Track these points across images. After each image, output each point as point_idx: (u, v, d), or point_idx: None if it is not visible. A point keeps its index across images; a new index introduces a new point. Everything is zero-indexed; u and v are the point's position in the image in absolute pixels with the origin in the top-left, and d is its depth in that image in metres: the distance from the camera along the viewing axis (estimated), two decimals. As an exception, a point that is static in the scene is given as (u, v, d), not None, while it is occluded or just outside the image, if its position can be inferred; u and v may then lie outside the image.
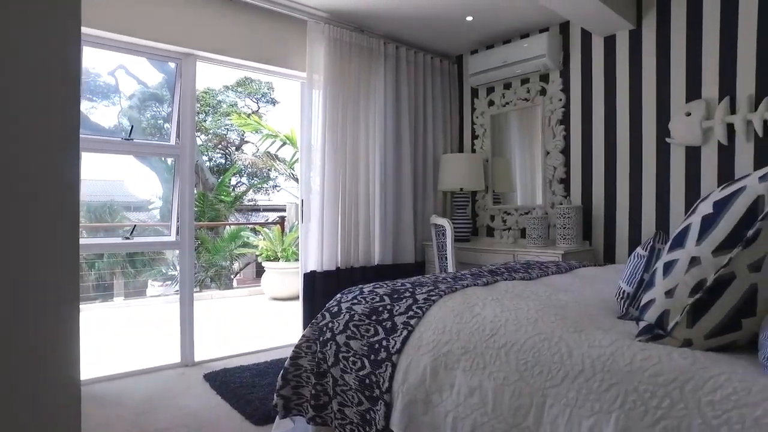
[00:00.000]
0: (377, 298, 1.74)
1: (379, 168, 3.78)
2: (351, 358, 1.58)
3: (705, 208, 1.13)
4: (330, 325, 1.75)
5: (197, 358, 3.26)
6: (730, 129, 2.90)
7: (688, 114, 3.03)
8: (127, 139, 3.11)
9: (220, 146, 14.00)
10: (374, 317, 1.65)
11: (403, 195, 3.95)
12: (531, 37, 3.68)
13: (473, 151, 4.34)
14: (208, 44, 3.18)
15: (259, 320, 5.20)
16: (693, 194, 3.05)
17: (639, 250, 1.41)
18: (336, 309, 1.81)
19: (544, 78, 3.82)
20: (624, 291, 1.39)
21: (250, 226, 9.15)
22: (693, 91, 3.06)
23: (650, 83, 3.24)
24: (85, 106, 14.92)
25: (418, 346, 1.43)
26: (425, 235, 4.14)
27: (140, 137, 13.84)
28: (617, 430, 0.95)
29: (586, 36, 3.57)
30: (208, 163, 13.28)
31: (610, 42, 3.45)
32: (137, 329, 4.75)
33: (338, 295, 1.92)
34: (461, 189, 4.06)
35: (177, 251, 3.54)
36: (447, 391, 1.29)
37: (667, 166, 3.17)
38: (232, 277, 9.21)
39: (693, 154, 3.06)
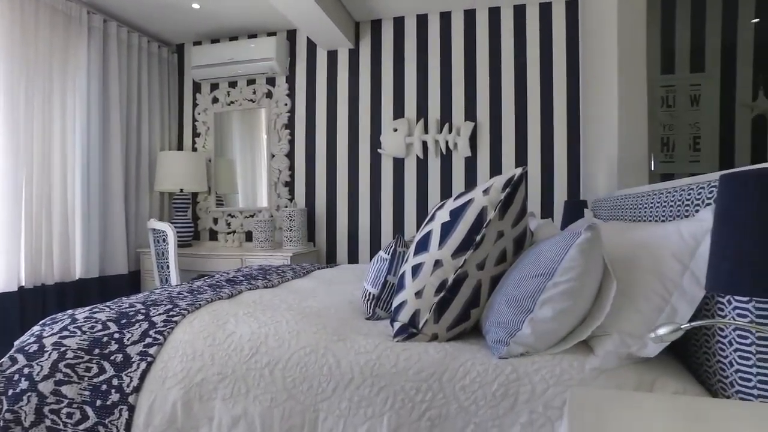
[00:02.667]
0: (99, 326, 1.42)
1: (81, 162, 3.13)
2: (65, 410, 1.23)
3: (443, 215, 1.30)
4: (26, 371, 1.33)
5: None
6: (425, 146, 3.48)
7: (395, 130, 3.50)
8: None
9: None
10: (97, 351, 1.33)
11: (112, 195, 3.37)
12: (259, 39, 3.65)
13: (194, 149, 4.04)
14: None
15: None
16: (399, 199, 3.54)
17: (382, 253, 1.53)
18: (35, 347, 1.39)
19: (271, 81, 3.84)
20: (370, 293, 1.49)
21: None
22: (398, 110, 3.55)
23: (366, 99, 3.62)
24: None
25: (162, 379, 1.21)
26: (141, 242, 3.64)
27: None
28: (390, 430, 1.00)
29: (311, 47, 3.74)
30: None
31: (332, 56, 3.70)
32: None
33: (35, 328, 1.48)
34: (181, 190, 3.72)
35: None
36: (205, 426, 1.13)
37: (379, 174, 3.59)
38: None
39: (398, 164, 3.55)
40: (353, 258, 3.65)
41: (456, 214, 1.26)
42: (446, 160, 3.46)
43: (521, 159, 3.31)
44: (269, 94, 3.83)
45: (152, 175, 3.75)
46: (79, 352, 1.34)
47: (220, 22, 3.62)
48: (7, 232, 2.72)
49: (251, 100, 3.86)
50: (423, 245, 1.29)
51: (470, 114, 3.41)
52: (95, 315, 1.49)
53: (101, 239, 3.30)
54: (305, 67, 3.76)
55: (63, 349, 1.36)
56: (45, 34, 2.93)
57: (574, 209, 2.48)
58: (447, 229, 1.25)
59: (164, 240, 3.11)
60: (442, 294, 1.20)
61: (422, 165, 3.51)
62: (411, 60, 3.52)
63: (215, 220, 3.99)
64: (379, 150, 3.56)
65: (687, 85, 3.22)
